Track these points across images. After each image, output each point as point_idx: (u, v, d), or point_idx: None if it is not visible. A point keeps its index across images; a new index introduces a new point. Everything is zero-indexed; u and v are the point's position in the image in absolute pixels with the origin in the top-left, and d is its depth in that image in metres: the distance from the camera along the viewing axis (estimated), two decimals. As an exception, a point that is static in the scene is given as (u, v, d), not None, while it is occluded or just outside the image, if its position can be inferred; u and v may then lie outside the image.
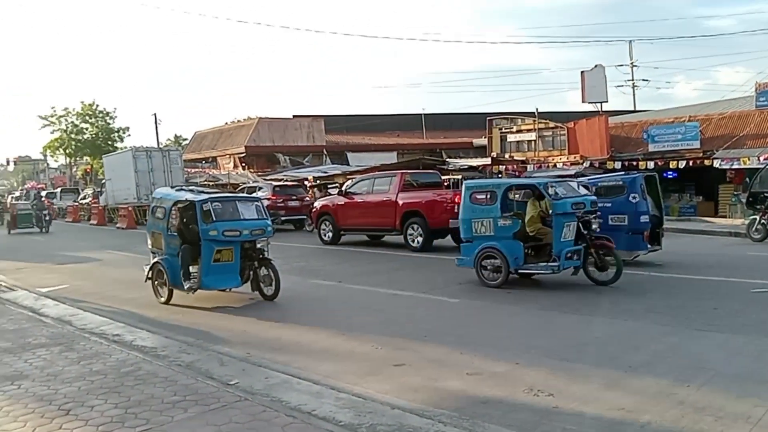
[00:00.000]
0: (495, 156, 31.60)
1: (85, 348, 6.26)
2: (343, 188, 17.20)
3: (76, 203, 34.05)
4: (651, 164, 23.73)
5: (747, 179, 17.64)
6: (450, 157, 37.16)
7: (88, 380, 5.15)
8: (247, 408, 4.51)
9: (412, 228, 14.28)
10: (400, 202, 14.61)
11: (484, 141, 35.64)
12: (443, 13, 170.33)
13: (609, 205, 11.04)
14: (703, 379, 5.05)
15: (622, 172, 14.45)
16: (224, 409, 4.49)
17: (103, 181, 32.32)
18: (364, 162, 35.80)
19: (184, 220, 9.13)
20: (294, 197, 22.18)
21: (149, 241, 9.70)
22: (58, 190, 43.00)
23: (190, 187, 11.25)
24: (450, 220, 13.61)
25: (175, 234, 9.01)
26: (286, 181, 28.16)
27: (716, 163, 23.33)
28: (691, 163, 24.08)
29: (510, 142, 33.02)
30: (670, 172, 24.87)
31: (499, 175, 28.10)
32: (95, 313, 8.35)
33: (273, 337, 7.00)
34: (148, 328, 7.33)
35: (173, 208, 9.12)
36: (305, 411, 4.50)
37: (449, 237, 14.71)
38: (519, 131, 32.68)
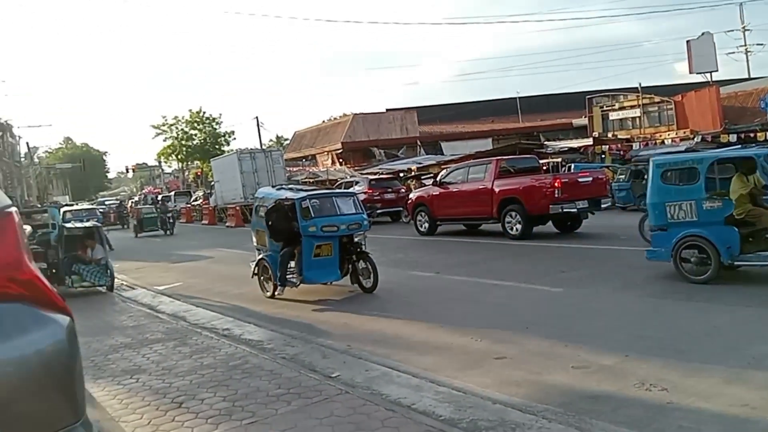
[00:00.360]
0: (597, 135, 30.24)
1: (197, 342, 6.61)
2: (438, 178, 17.10)
3: (189, 205, 36.23)
4: (772, 135, 21.76)
5: None
6: (548, 140, 36.01)
7: (199, 374, 5.44)
8: (347, 401, 4.57)
9: (510, 215, 13.93)
10: (497, 190, 14.30)
11: (584, 121, 34.25)
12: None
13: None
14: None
15: (739, 146, 13.31)
16: (326, 402, 4.58)
17: (212, 183, 34.16)
18: (458, 151, 35.50)
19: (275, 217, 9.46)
20: (390, 190, 22.44)
21: (254, 239, 10.13)
22: (172, 193, 45.95)
23: (290, 186, 11.61)
24: (550, 206, 13.18)
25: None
26: (382, 174, 28.43)
27: None
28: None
29: (612, 120, 31.53)
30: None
31: (602, 156, 26.86)
32: (207, 308, 8.82)
33: (373, 330, 7.07)
34: (255, 322, 7.64)
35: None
36: (405, 405, 4.49)
37: (550, 223, 14.27)
38: (621, 108, 31.13)
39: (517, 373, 5.17)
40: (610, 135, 30.33)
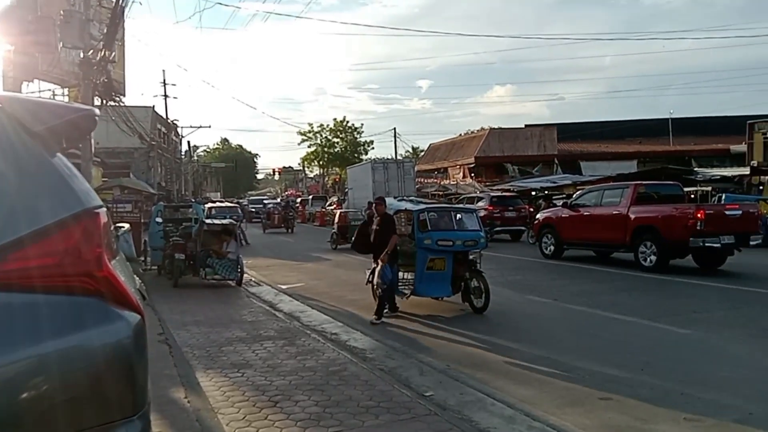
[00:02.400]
0: (755, 165, 27.36)
1: (304, 344, 6.88)
2: (569, 200, 16.41)
3: (323, 209, 37.84)
4: None
5: None
6: (700, 166, 33.23)
7: (300, 375, 5.65)
8: (434, 423, 4.51)
9: (645, 245, 13.01)
10: (632, 216, 13.42)
11: (743, 148, 31.10)
12: (703, 6, 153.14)
13: None
14: None
15: None
16: (412, 421, 4.55)
17: (347, 189, 35.45)
18: (598, 171, 33.82)
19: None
20: (511, 208, 21.97)
21: None
22: (310, 197, 48.32)
23: (411, 198, 11.77)
24: (690, 238, 12.15)
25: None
26: (510, 191, 27.90)
27: None
28: None
29: (777, 148, 28.31)
30: None
31: (760, 188, 24.30)
32: (321, 311, 9.16)
33: (475, 352, 6.92)
34: (362, 330, 7.81)
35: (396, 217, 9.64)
36: (492, 435, 4.36)
37: (689, 258, 13.14)
38: (789, 135, 27.84)
39: (621, 418, 4.81)
40: (772, 164, 27.31)
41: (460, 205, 15.34)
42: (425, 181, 40.00)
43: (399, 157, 46.95)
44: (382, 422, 4.53)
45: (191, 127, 59.45)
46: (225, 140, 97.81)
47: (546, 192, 27.20)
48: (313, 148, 60.05)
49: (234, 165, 68.80)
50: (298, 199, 44.95)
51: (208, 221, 12.82)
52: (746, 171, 26.29)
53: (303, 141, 60.14)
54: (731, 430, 4.50)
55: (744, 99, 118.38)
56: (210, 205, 25.94)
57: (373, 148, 58.85)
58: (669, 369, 6.09)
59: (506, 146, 42.28)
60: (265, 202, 34.78)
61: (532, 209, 22.36)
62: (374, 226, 8.96)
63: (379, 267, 8.60)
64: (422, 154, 60.11)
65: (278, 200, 40.48)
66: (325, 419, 4.57)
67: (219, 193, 71.55)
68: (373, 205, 9.34)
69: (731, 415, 4.75)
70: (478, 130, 45.70)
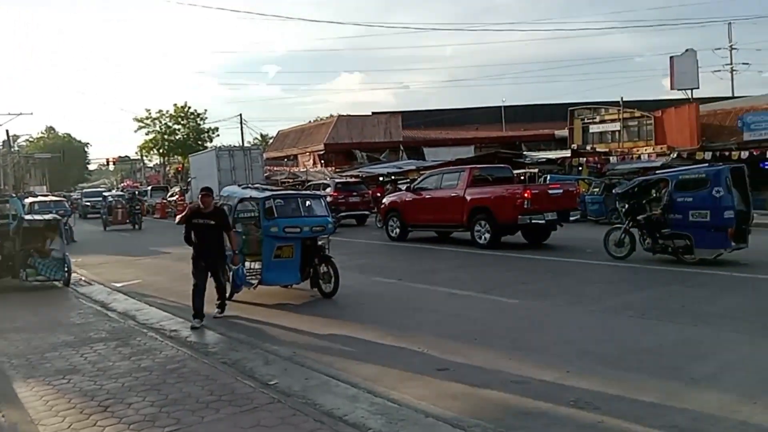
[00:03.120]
0: (575, 148, 30.40)
1: (139, 343, 6.47)
2: (412, 184, 17.05)
3: (164, 200, 35.78)
4: (745, 154, 21.96)
5: None
6: (529, 150, 36.15)
7: (134, 376, 5.30)
8: (277, 411, 4.47)
9: (480, 224, 13.92)
10: (468, 198, 14.27)
11: (565, 132, 34.37)
12: (527, 2, 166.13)
13: (690, 199, 10.32)
14: (775, 397, 4.53)
15: (706, 164, 13.42)
16: (255, 411, 4.47)
17: (190, 179, 33.77)
18: (440, 157, 35.50)
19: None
20: (355, 193, 22.51)
21: None
22: (149, 188, 45.35)
23: (256, 185, 11.48)
24: (519, 216, 13.17)
25: (240, 231, 9.16)
26: (355, 177, 28.40)
27: (822, 152, 21.28)
28: (792, 152, 22.09)
29: (592, 133, 31.64)
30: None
31: (579, 168, 27.03)
32: (160, 308, 8.67)
33: (323, 336, 6.96)
34: (204, 324, 7.49)
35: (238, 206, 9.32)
36: (336, 416, 4.41)
37: (519, 234, 14.27)
38: (602, 121, 31.24)
39: (457, 386, 5.10)
40: (589, 148, 30.49)
41: (308, 192, 15.28)
42: (274, 168, 39.35)
43: (247, 144, 45.65)
44: (223, 416, 4.40)
45: (9, 114, 52.82)
46: (51, 128, 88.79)
47: (392, 177, 28.04)
48: (151, 136, 56.24)
49: (61, 155, 62.52)
50: (136, 191, 41.98)
51: (28, 217, 11.56)
52: (568, 153, 29.04)
53: (140, 128, 56.10)
54: (552, 387, 4.96)
55: (566, 88, 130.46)
56: (32, 199, 23.33)
57: (218, 135, 56.50)
58: (499, 337, 6.59)
59: (354, 133, 42.85)
60: (105, 194, 30.20)
61: (379, 194, 22.98)
62: (200, 220, 7.66)
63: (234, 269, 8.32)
64: (271, 141, 59.04)
65: (121, 192, 35.57)
66: (161, 419, 4.34)
67: (45, 187, 64.65)
68: (200, 196, 7.83)
69: (552, 375, 5.24)
70: (327, 118, 45.88)
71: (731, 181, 10.24)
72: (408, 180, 24.02)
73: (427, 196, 15.60)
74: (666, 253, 10.64)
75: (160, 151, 57.52)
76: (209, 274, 7.69)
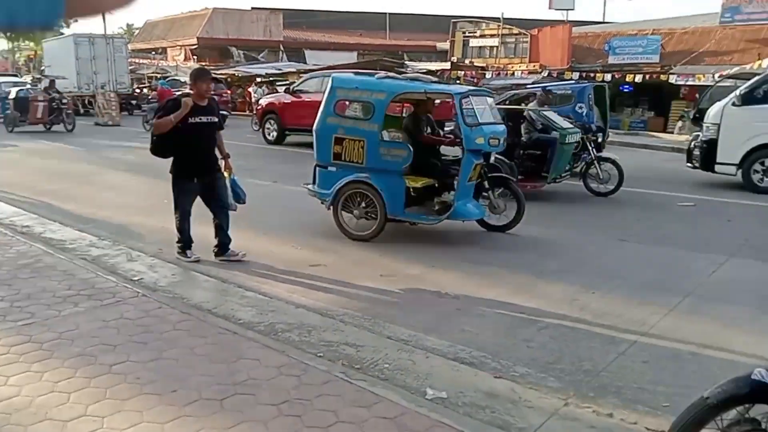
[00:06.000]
0: (455, 61, 30.81)
1: (-15, 239, 5.94)
2: (291, 86, 16.54)
3: (14, 91, 31.96)
4: (608, 76, 23.45)
5: (698, 96, 17.66)
6: (411, 60, 36.13)
7: (-22, 272, 4.89)
8: (142, 304, 4.35)
9: (359, 130, 13.89)
10: (348, 103, 14.10)
11: (447, 45, 34.64)
12: None
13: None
14: (610, 287, 5.12)
15: (573, 81, 14.21)
16: (118, 304, 4.32)
17: (44, 68, 30.48)
18: (322, 61, 34.48)
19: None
20: (214, 93, 21.51)
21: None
22: (-5, 76, 40.27)
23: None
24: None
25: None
26: (230, 76, 27.11)
27: (672, 79, 23.19)
28: (647, 77, 23.88)
29: (472, 47, 32.16)
30: (627, 86, 24.70)
31: (457, 81, 27.53)
32: (9, 203, 7.93)
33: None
34: (61, 221, 7.00)
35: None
36: (205, 309, 4.38)
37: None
38: (482, 36, 31.76)
39: (328, 281, 5.24)
40: (467, 61, 31.04)
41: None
42: (140, 61, 36.28)
43: (110, 34, 41.48)
44: (82, 309, 4.21)
45: None
46: None
47: (270, 78, 26.98)
48: (-5, 16, 49.51)
49: None
50: None
51: None
52: (447, 66, 29.38)
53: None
54: (417, 280, 5.26)
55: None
56: None
57: (77, 20, 50.70)
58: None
59: (231, 29, 40.32)
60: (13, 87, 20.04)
61: (249, 97, 22.19)
62: (201, 118, 5.50)
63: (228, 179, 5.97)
64: (137, 32, 54.11)
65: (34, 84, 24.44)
66: (13, 313, 4.07)
67: None
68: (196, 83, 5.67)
69: (418, 269, 5.54)
70: (201, 10, 42.54)
71: (593, 98, 10.95)
72: (287, 82, 23.26)
73: (307, 99, 15.20)
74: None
75: (7, 34, 50.89)
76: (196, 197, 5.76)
